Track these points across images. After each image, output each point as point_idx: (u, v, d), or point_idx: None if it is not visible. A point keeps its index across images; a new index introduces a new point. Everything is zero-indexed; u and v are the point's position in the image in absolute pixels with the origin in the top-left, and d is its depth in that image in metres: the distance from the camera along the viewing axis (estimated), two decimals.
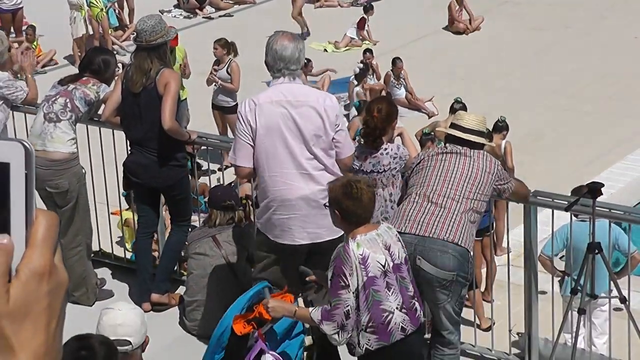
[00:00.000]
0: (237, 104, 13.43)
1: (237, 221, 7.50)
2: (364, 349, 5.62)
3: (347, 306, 5.50)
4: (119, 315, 5.38)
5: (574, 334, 7.08)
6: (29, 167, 1.17)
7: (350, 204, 5.56)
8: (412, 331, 5.68)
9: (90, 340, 4.58)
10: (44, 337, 1.16)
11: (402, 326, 5.62)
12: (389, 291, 5.59)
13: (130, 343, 5.29)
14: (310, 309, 5.73)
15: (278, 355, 5.87)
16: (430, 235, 6.31)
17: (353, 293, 5.51)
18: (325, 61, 18.51)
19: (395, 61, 18.36)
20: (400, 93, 18.22)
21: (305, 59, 17.21)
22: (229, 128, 14.45)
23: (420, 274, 6.30)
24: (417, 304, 5.75)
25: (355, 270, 5.49)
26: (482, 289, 9.87)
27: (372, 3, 22.98)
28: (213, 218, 7.46)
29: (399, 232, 6.37)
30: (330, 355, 6.46)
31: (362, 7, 22.67)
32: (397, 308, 5.61)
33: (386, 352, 5.63)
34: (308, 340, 6.30)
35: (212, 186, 8.67)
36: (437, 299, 6.37)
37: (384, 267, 5.57)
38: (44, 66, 19.23)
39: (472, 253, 6.53)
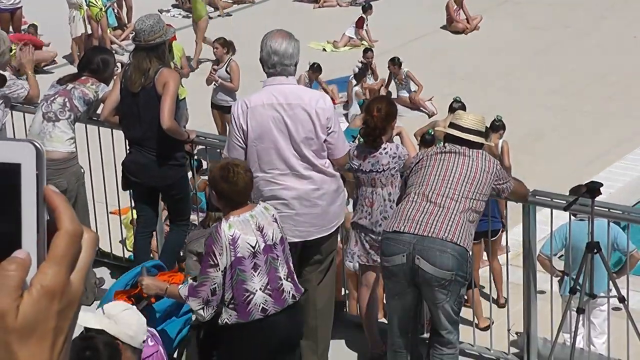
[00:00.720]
0: None
1: None
2: (224, 322, 5.79)
3: (214, 284, 5.67)
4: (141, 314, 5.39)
5: (572, 334, 7.08)
6: (40, 168, 1.16)
7: (226, 187, 5.72)
8: (275, 312, 5.80)
9: (94, 341, 4.58)
10: (49, 356, 1.14)
11: (262, 307, 5.77)
12: (255, 272, 5.74)
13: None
14: (180, 286, 5.88)
15: (155, 331, 5.91)
16: (429, 235, 6.30)
17: (221, 272, 5.67)
18: (324, 61, 18.47)
19: (388, 63, 18.26)
20: (403, 93, 18.15)
21: (315, 64, 17.30)
22: (227, 127, 14.41)
23: (419, 274, 6.30)
24: (286, 285, 5.87)
25: (225, 250, 5.65)
26: (494, 293, 9.84)
27: (371, 2, 22.93)
28: (209, 219, 7.45)
29: (398, 231, 6.38)
30: (217, 334, 6.44)
31: (360, 7, 22.63)
32: (260, 289, 5.76)
33: (243, 329, 5.79)
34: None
35: None
36: (436, 298, 6.37)
37: (254, 248, 5.72)
38: (45, 66, 19.21)
39: (470, 253, 6.53)
